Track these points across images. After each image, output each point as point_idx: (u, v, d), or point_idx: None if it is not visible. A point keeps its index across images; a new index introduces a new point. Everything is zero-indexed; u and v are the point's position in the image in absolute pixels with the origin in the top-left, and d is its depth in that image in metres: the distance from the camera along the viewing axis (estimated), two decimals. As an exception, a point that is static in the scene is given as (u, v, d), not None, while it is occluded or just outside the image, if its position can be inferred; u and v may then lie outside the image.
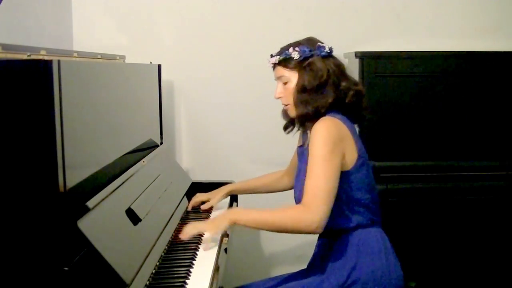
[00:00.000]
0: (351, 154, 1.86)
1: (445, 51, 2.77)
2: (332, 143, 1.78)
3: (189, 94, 2.98)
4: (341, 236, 1.89)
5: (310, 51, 1.90)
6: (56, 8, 2.73)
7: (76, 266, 1.30)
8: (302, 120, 1.92)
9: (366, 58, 2.66)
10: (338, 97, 1.87)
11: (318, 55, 1.90)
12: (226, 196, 2.37)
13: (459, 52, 2.76)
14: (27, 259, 1.29)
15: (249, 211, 1.83)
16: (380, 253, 1.87)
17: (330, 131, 1.81)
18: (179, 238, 1.88)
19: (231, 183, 2.47)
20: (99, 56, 2.23)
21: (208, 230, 1.85)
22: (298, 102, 1.90)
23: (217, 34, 2.94)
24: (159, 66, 2.64)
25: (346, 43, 2.85)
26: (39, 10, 2.48)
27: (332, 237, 1.91)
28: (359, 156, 1.88)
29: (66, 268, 1.26)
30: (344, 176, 1.84)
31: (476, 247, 2.66)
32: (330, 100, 1.86)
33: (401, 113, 2.70)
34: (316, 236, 2.03)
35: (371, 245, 1.87)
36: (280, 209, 1.77)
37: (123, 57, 2.57)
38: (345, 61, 2.81)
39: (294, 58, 1.90)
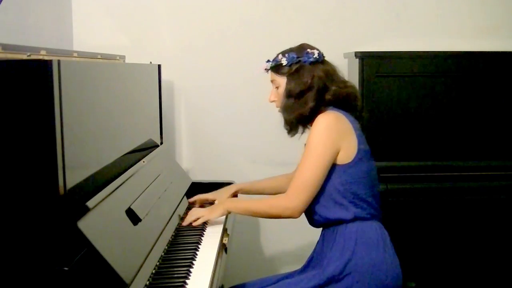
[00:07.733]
0: (351, 148, 1.90)
1: (445, 51, 2.77)
2: (328, 136, 1.86)
3: (189, 94, 2.98)
4: (340, 228, 1.91)
5: (297, 58, 1.98)
6: (56, 8, 2.72)
7: (76, 266, 1.29)
8: (289, 125, 2.00)
9: (366, 58, 2.66)
10: (321, 103, 1.94)
11: (305, 62, 1.96)
12: (232, 196, 2.36)
13: (459, 52, 2.76)
14: (27, 259, 1.29)
15: (241, 201, 2.07)
16: (378, 245, 1.89)
17: (329, 124, 1.88)
18: (184, 224, 2.10)
19: (231, 183, 2.46)
20: (99, 56, 2.23)
21: (206, 215, 2.08)
22: (284, 108, 2.00)
23: (217, 34, 2.94)
24: (159, 66, 2.64)
25: (346, 43, 2.85)
26: (39, 10, 2.48)
27: (331, 229, 1.94)
28: (359, 151, 1.91)
29: (66, 268, 1.26)
30: (343, 169, 1.90)
31: (476, 248, 2.66)
32: (311, 106, 1.93)
33: (401, 113, 2.70)
34: (318, 234, 2.04)
35: (369, 236, 1.89)
36: (267, 198, 2.03)
37: (123, 57, 2.56)
38: (344, 61, 2.83)
39: (283, 64, 1.99)
